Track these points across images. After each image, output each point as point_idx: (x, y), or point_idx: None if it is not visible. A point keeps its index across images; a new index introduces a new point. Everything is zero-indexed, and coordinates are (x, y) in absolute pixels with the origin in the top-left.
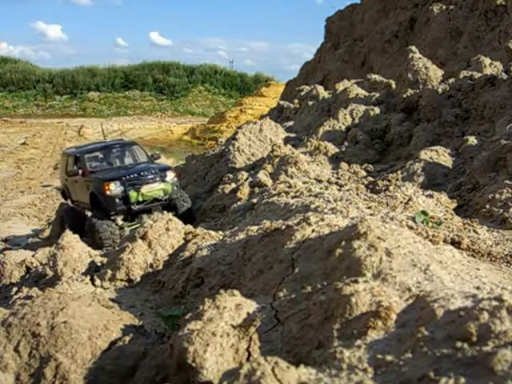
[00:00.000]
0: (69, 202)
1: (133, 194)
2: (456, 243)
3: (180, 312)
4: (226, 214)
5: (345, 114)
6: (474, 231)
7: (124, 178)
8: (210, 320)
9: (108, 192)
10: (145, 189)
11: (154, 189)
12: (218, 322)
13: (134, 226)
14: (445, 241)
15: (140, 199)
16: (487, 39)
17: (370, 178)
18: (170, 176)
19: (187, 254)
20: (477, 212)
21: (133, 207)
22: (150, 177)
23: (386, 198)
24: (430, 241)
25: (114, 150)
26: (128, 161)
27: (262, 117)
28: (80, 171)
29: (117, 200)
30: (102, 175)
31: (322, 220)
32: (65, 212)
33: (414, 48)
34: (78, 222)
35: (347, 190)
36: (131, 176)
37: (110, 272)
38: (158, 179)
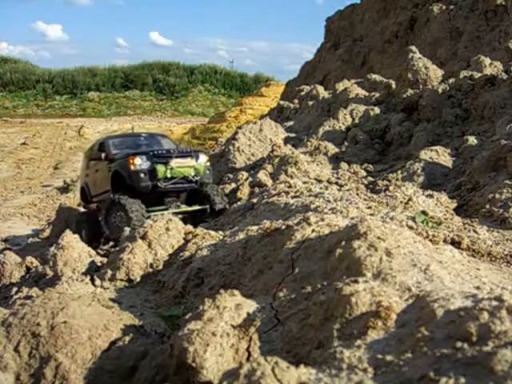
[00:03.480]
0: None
1: (160, 169)
2: (456, 243)
3: (180, 312)
4: (226, 213)
5: (345, 114)
6: (474, 231)
7: (151, 153)
8: (210, 320)
9: (132, 167)
10: (175, 163)
11: (184, 164)
12: (218, 322)
13: (160, 212)
14: (445, 241)
15: (168, 175)
16: (487, 39)
17: (370, 178)
18: (203, 159)
19: (187, 253)
20: (477, 212)
21: (159, 184)
22: (180, 151)
23: (386, 198)
24: (430, 241)
25: (142, 138)
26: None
27: (261, 117)
28: (103, 155)
29: (142, 175)
30: (126, 153)
31: (322, 220)
32: (81, 218)
33: (414, 48)
34: (95, 228)
35: (347, 190)
36: (159, 152)
37: (110, 272)
38: (190, 155)
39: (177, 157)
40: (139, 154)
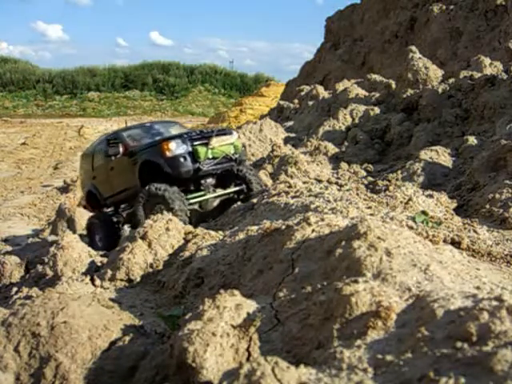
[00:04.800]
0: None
1: (201, 150)
2: (456, 243)
3: (180, 312)
4: (226, 213)
5: (345, 114)
6: (474, 231)
7: (186, 136)
8: (210, 320)
9: (168, 152)
10: (215, 141)
11: (225, 142)
12: (218, 322)
13: (199, 199)
14: (445, 241)
15: (210, 155)
16: (487, 39)
17: (370, 178)
18: (237, 135)
19: (187, 254)
20: (477, 212)
21: (201, 166)
22: (218, 130)
23: (386, 198)
24: (430, 241)
25: (156, 126)
26: None
27: (261, 117)
28: (121, 149)
29: (181, 159)
30: (154, 141)
31: (322, 220)
32: (94, 221)
33: (414, 48)
34: (112, 232)
35: (347, 190)
36: (193, 134)
37: (110, 272)
38: (228, 132)
39: (217, 135)
40: (173, 139)
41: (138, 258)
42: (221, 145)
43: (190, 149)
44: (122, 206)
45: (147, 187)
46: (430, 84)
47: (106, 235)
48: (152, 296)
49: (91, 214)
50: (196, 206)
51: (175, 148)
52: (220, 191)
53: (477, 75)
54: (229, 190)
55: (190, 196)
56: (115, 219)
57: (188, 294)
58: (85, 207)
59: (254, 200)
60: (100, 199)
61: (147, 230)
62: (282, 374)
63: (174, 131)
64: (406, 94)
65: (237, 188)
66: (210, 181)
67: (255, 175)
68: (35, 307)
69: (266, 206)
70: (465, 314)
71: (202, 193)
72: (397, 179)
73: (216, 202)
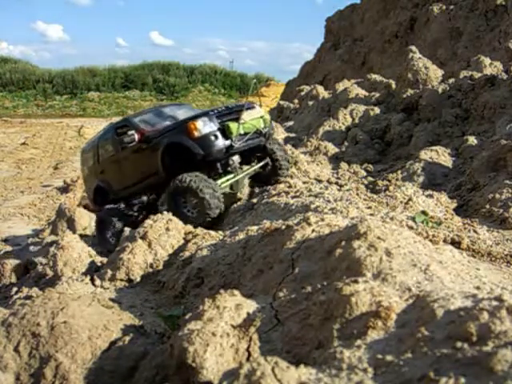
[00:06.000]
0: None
1: (233, 125)
2: (456, 243)
3: (180, 312)
4: (226, 213)
5: (345, 114)
6: (474, 231)
7: (212, 113)
8: (210, 320)
9: (196, 132)
10: (246, 115)
11: (256, 115)
12: (218, 322)
13: (230, 181)
14: (445, 241)
15: (241, 131)
16: (487, 39)
17: (370, 178)
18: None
19: (187, 254)
20: (477, 212)
21: (233, 143)
22: (245, 104)
23: (386, 198)
24: (430, 241)
25: (167, 108)
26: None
27: None
28: (137, 136)
29: (212, 138)
30: (176, 122)
31: (322, 220)
32: (105, 216)
33: (414, 48)
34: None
35: (347, 190)
36: (219, 110)
37: (110, 272)
38: (254, 105)
39: (247, 108)
40: (199, 117)
41: (138, 258)
42: (252, 119)
43: (219, 126)
44: (134, 199)
45: (174, 180)
46: (430, 84)
47: (121, 231)
48: (152, 296)
49: (92, 213)
50: (227, 189)
51: (203, 126)
52: (246, 168)
53: (477, 75)
54: (256, 166)
55: (220, 180)
56: (129, 213)
57: (188, 294)
58: (85, 207)
59: (254, 200)
60: (110, 194)
61: (147, 230)
62: (282, 374)
63: (185, 113)
64: (406, 94)
65: (262, 162)
66: (237, 159)
67: (284, 151)
68: (35, 307)
69: (265, 206)
70: (465, 314)
71: (232, 175)
72: (397, 179)
73: (246, 181)
